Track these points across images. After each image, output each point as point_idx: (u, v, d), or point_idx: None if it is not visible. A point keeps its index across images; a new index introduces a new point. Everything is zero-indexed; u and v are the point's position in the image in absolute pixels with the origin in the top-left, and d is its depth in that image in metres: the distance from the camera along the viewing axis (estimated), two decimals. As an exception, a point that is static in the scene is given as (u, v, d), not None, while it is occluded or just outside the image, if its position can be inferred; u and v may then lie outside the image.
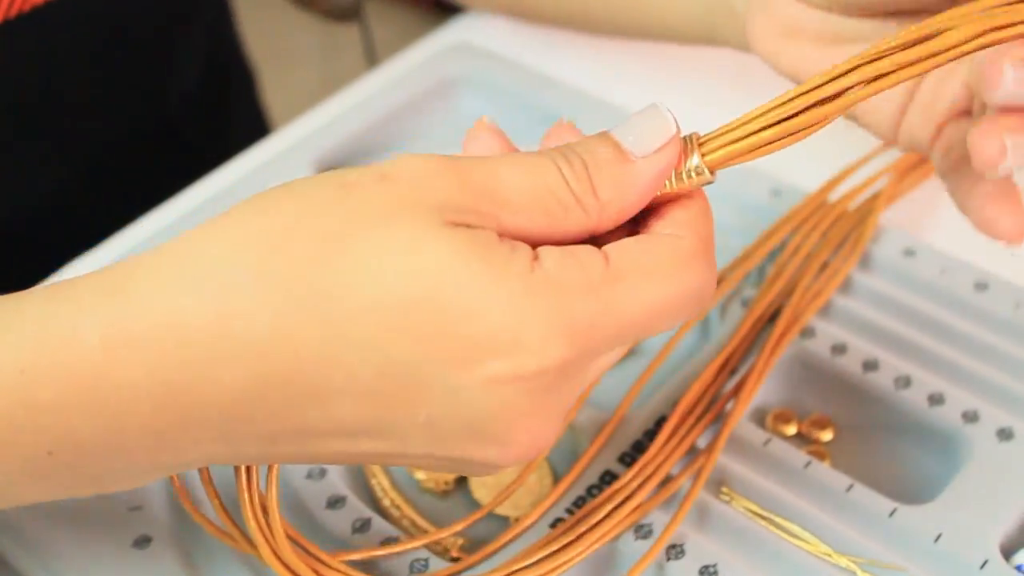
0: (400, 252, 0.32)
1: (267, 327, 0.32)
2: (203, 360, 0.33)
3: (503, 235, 0.34)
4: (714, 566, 0.43)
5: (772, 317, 0.51)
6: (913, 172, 0.58)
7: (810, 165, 0.56)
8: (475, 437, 0.34)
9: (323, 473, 0.46)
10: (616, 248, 0.34)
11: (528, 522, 0.44)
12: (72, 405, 0.33)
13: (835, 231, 0.54)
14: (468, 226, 0.33)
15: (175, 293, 0.33)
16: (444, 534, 0.43)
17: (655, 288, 0.34)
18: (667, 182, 0.36)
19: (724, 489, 0.45)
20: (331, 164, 0.60)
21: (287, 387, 0.33)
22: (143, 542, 0.44)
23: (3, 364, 0.33)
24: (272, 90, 0.87)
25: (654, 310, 0.34)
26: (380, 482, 0.47)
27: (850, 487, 0.45)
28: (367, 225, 0.33)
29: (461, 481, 0.48)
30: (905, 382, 0.49)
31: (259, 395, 0.33)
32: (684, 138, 0.36)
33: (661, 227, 0.36)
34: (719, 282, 0.51)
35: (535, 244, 0.34)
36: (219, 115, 0.76)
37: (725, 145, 0.35)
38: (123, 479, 0.36)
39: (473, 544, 0.45)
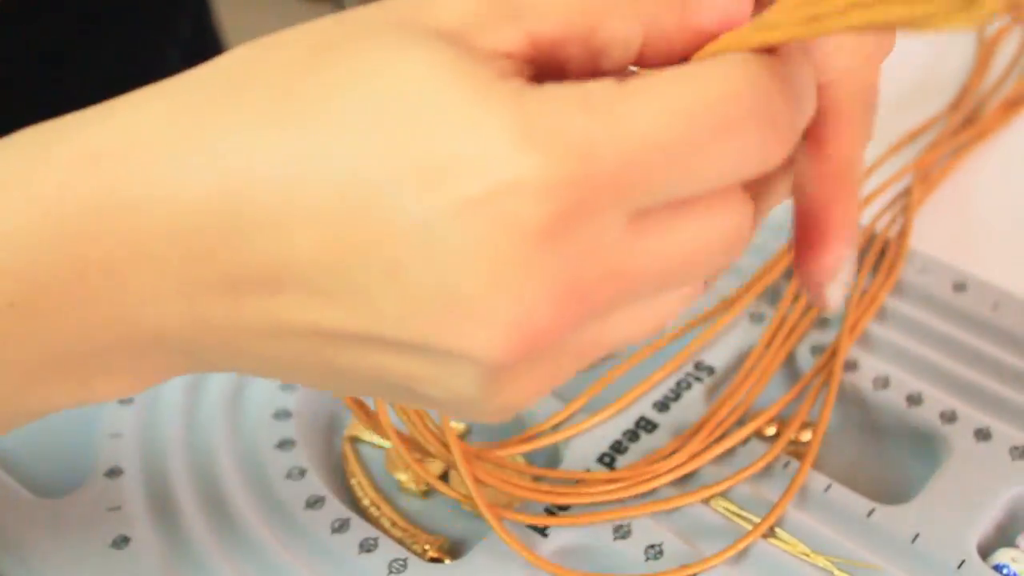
0: (385, 62, 0.28)
1: (231, 141, 0.29)
2: (160, 173, 0.29)
3: (508, 55, 0.29)
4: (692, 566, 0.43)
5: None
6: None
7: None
8: (448, 299, 0.28)
9: (303, 473, 0.46)
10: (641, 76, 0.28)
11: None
12: (31, 236, 0.30)
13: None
14: (462, 46, 0.29)
15: (140, 110, 0.30)
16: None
17: (679, 90, 0.28)
18: None
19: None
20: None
21: (248, 208, 0.29)
22: (121, 542, 0.44)
23: None
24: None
25: (685, 118, 0.27)
26: (360, 482, 0.47)
27: (828, 487, 0.45)
28: (354, 39, 0.29)
29: (442, 478, 0.48)
30: (883, 382, 0.49)
31: (217, 219, 0.29)
32: None
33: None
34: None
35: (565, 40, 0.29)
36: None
37: None
38: (85, 352, 0.32)
39: (455, 545, 0.45)
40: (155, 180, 0.29)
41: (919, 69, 0.67)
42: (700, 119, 0.27)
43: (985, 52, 0.67)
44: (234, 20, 1.10)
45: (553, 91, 0.28)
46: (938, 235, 0.56)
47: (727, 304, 0.52)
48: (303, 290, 0.29)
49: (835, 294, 0.36)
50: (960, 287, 0.52)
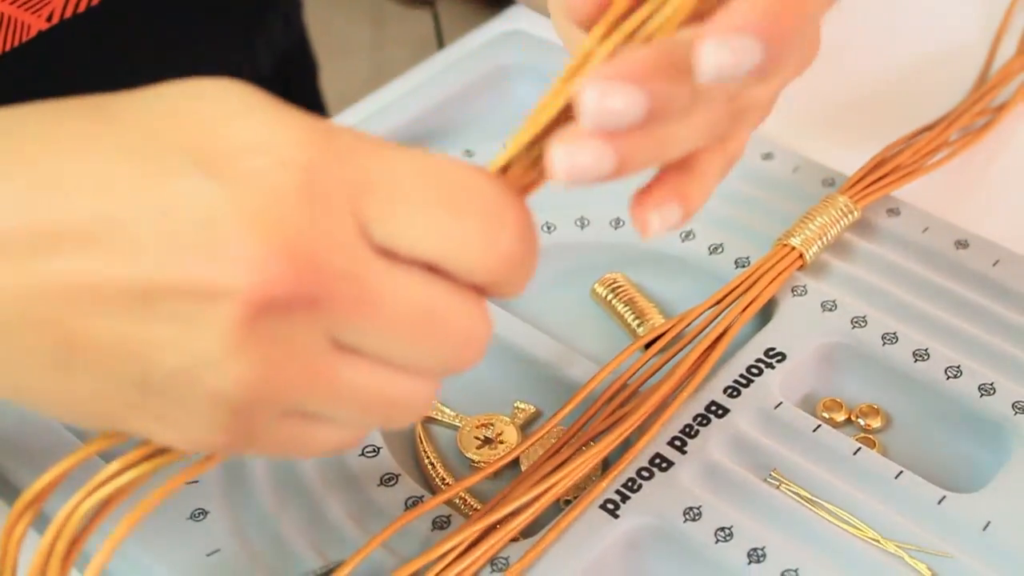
0: (185, 86, 0.34)
1: (35, 124, 0.33)
2: None
3: None
4: (762, 549, 0.43)
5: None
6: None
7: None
8: (210, 237, 0.31)
9: (377, 451, 0.47)
10: None
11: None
12: None
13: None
14: None
15: None
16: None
17: (429, 158, 0.33)
18: None
19: (773, 473, 0.46)
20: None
21: (32, 171, 0.32)
22: (199, 514, 0.45)
23: None
24: (326, 78, 0.88)
25: (420, 174, 0.32)
26: (432, 460, 0.48)
27: (899, 474, 0.45)
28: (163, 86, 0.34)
29: (511, 461, 0.48)
30: (956, 372, 0.49)
31: None
32: None
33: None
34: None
35: None
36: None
37: None
38: None
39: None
40: None
41: (942, 46, 0.67)
42: (426, 178, 0.33)
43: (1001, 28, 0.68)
44: (320, 18, 1.11)
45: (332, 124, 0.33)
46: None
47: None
48: (86, 245, 0.31)
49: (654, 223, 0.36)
50: (1034, 278, 0.52)
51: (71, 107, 0.34)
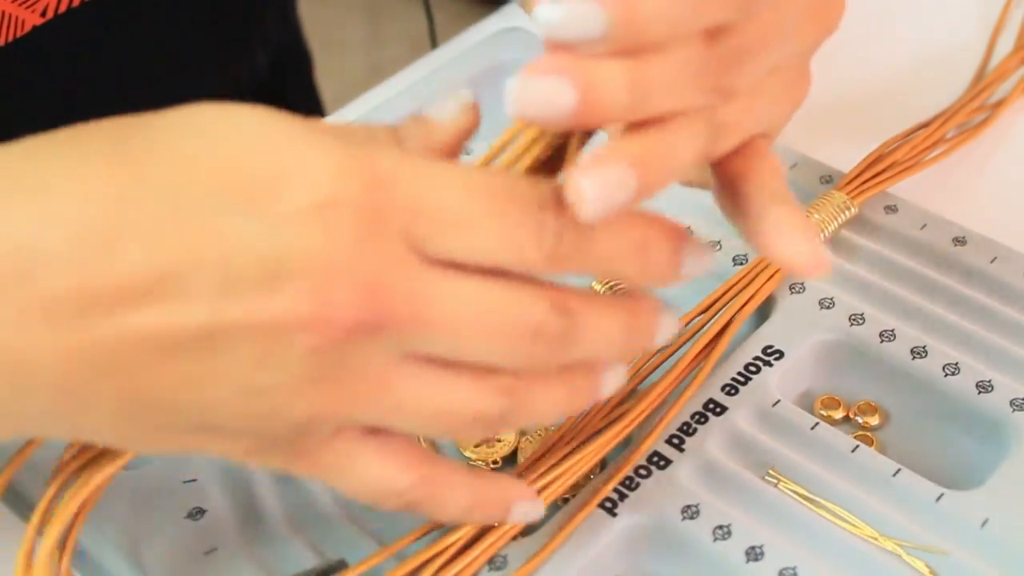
0: (215, 117, 0.33)
1: (62, 170, 0.32)
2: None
3: None
4: (760, 547, 0.43)
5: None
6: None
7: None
8: (268, 281, 0.32)
9: (374, 450, 0.47)
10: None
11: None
12: None
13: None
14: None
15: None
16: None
17: (476, 173, 0.34)
18: None
19: (771, 471, 0.46)
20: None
21: (77, 229, 0.32)
22: (196, 513, 0.45)
23: None
24: (321, 76, 0.88)
25: (468, 192, 0.33)
26: (429, 459, 0.48)
27: (897, 472, 0.45)
28: (185, 108, 0.34)
29: (509, 459, 0.48)
30: (954, 369, 0.49)
31: (43, 238, 0.31)
32: None
33: None
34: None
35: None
36: (282, 98, 0.77)
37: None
38: None
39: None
40: None
41: (939, 44, 0.66)
42: (477, 198, 0.33)
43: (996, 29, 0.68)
44: (315, 14, 1.11)
45: (371, 135, 0.34)
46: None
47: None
48: (120, 309, 0.31)
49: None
50: (1031, 275, 0.52)
51: (93, 144, 0.33)
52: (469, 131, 0.37)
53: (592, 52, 0.33)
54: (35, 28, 0.53)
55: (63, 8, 0.54)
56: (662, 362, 0.49)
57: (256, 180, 0.32)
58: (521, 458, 0.48)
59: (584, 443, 0.45)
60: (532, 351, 0.34)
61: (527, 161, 0.36)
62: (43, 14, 0.53)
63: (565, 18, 0.32)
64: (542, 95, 0.32)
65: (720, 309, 0.51)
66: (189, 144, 0.32)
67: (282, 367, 0.33)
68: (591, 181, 0.32)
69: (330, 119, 0.65)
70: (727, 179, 0.39)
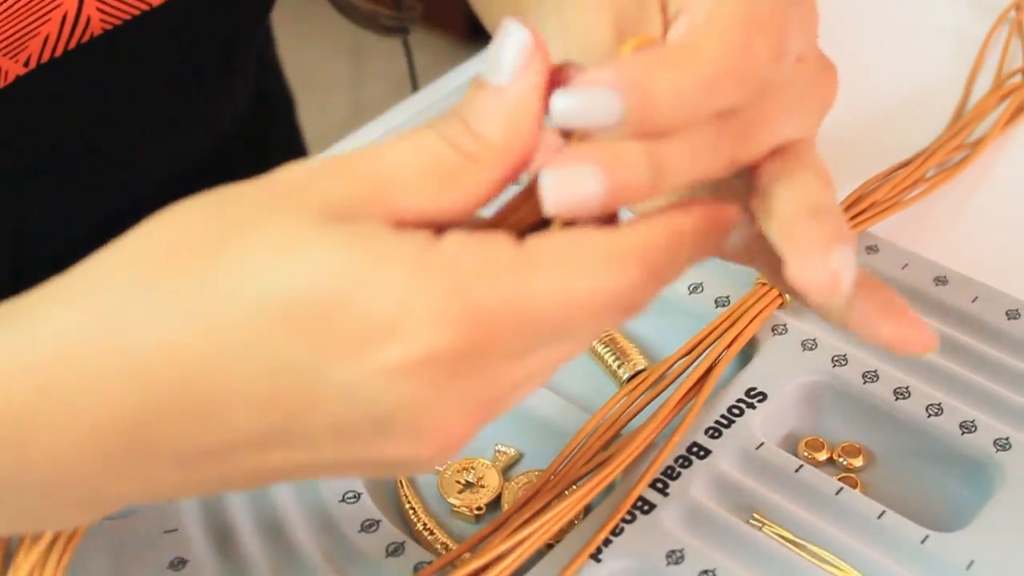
0: (278, 252, 0.32)
1: (152, 342, 0.32)
2: (94, 380, 0.32)
3: (403, 222, 0.32)
4: (746, 592, 0.43)
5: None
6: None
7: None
8: (382, 433, 0.32)
9: (357, 497, 0.46)
10: (538, 236, 0.33)
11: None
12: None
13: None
14: (353, 218, 0.32)
15: (61, 315, 0.33)
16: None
17: (573, 281, 0.32)
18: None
19: (755, 515, 0.46)
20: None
21: (180, 403, 0.32)
22: (178, 564, 0.44)
23: None
24: (304, 116, 0.88)
25: (571, 305, 0.32)
26: (413, 506, 0.47)
27: (882, 514, 0.45)
28: (246, 230, 0.32)
29: (493, 505, 0.48)
30: (936, 409, 0.49)
31: (156, 413, 0.32)
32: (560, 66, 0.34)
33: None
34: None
35: (445, 226, 0.33)
36: (263, 140, 0.77)
37: None
38: (48, 519, 0.36)
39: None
40: (92, 391, 0.32)
41: (918, 83, 0.67)
42: (587, 311, 0.32)
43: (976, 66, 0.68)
44: (297, 54, 1.11)
45: (457, 256, 0.31)
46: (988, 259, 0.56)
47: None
48: (245, 450, 0.33)
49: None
50: (1014, 314, 0.52)
51: (177, 297, 0.32)
52: (543, 81, 0.33)
53: (607, 137, 0.33)
54: (18, 78, 0.54)
55: (46, 58, 0.54)
56: (646, 405, 0.49)
57: (352, 333, 0.31)
58: (505, 504, 0.48)
59: (569, 489, 0.45)
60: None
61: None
62: (26, 64, 0.53)
63: (582, 106, 0.32)
64: (572, 187, 0.32)
65: (703, 351, 0.51)
66: (276, 293, 0.31)
67: (402, 471, 0.35)
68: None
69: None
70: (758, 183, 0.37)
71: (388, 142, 0.33)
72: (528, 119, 0.33)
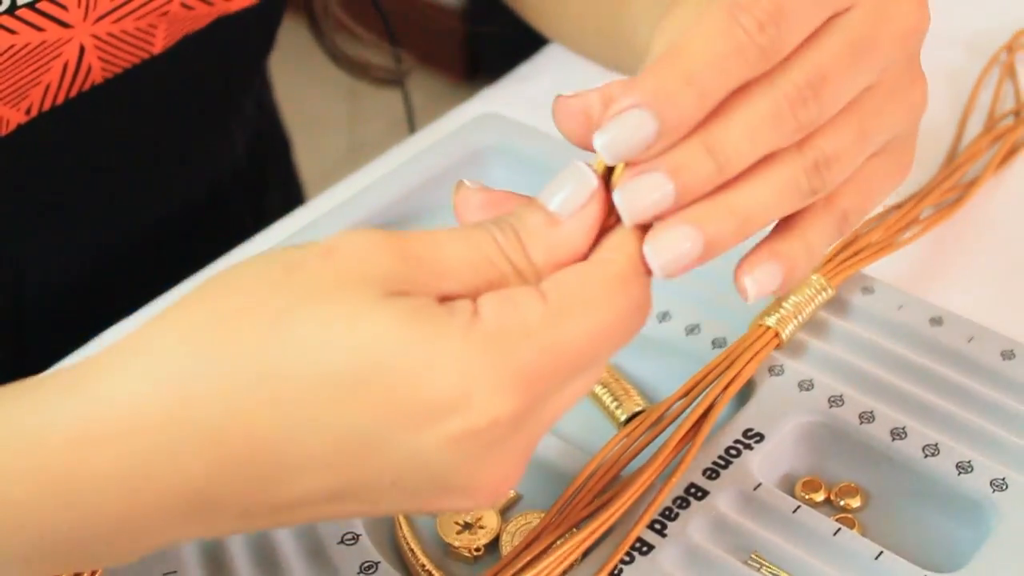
0: (342, 326, 0.33)
1: (220, 412, 0.34)
2: (164, 448, 0.34)
3: (444, 298, 0.35)
4: (744, 633, 0.43)
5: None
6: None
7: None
8: (442, 490, 0.35)
9: (356, 538, 0.46)
10: (552, 283, 0.35)
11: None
12: (47, 501, 0.34)
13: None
14: (407, 294, 0.34)
15: (130, 386, 0.34)
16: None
17: (595, 317, 0.35)
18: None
19: (754, 555, 0.46)
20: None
21: (248, 469, 0.34)
22: (179, 606, 0.44)
23: None
24: (302, 154, 0.89)
25: (597, 338, 0.35)
26: (412, 547, 0.47)
27: (879, 555, 0.45)
28: (310, 302, 0.34)
29: (491, 546, 0.48)
30: (933, 450, 0.49)
31: (222, 479, 0.34)
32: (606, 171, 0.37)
33: (594, 253, 0.37)
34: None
35: (476, 295, 0.36)
36: (260, 181, 0.78)
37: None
38: (107, 560, 0.38)
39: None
40: (161, 459, 0.34)
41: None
42: (610, 338, 0.36)
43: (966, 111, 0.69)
44: (295, 94, 1.12)
45: (499, 325, 0.34)
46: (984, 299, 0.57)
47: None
48: (309, 506, 0.35)
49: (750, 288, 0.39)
50: (1008, 355, 0.52)
51: (239, 376, 0.34)
52: (596, 223, 0.37)
53: (658, 150, 0.36)
54: (19, 127, 0.54)
55: (47, 106, 0.55)
56: (644, 447, 0.49)
57: (417, 405, 0.33)
58: (504, 545, 0.48)
59: (569, 531, 0.45)
60: (631, 335, 0.38)
61: None
62: (27, 112, 0.54)
63: (620, 133, 0.36)
64: (644, 197, 0.36)
65: (701, 393, 0.51)
66: (342, 364, 0.33)
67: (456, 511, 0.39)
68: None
69: (312, 203, 0.66)
70: None
71: (445, 231, 0.36)
72: (573, 252, 0.37)
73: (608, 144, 0.36)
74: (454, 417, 0.33)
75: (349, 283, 0.34)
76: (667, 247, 0.36)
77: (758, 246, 0.39)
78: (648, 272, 0.37)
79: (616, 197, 0.36)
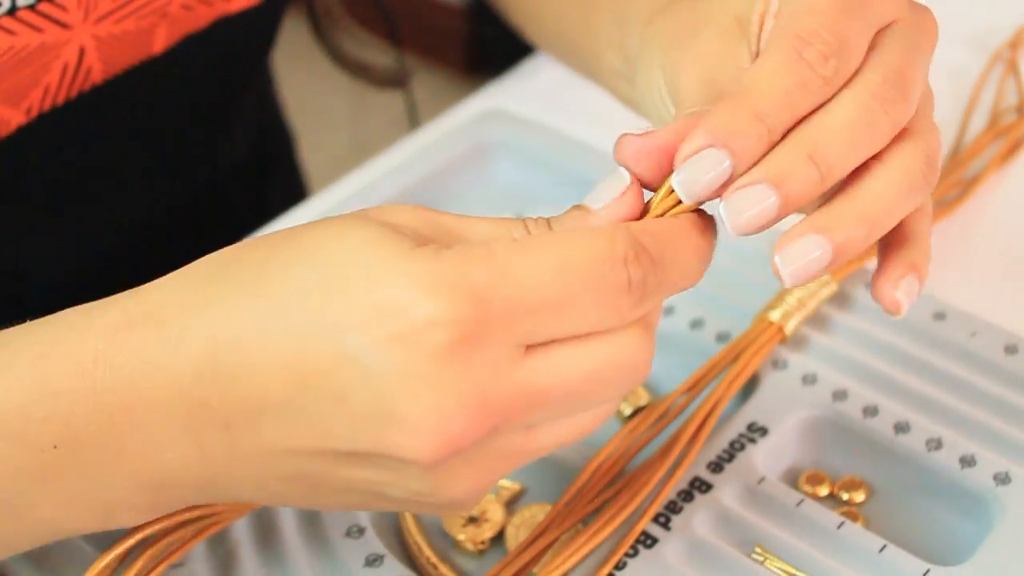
0: (335, 238, 0.36)
1: (217, 311, 0.36)
2: (167, 340, 0.36)
3: None
4: (748, 626, 0.43)
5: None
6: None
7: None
8: (385, 417, 0.34)
9: (362, 532, 0.47)
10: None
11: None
12: (74, 390, 0.37)
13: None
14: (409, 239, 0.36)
15: (157, 290, 0.38)
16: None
17: (558, 249, 0.35)
18: None
19: (758, 549, 0.46)
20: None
21: (230, 360, 0.36)
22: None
23: (23, 354, 0.38)
24: (306, 151, 0.89)
25: (563, 274, 0.35)
26: (417, 541, 0.48)
27: (883, 548, 0.45)
28: (316, 226, 0.37)
29: (496, 540, 0.48)
30: (936, 444, 0.49)
31: (209, 370, 0.36)
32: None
33: None
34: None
35: None
36: (262, 178, 0.78)
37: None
38: (114, 487, 0.38)
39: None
40: (164, 346, 0.36)
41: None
42: (569, 278, 0.35)
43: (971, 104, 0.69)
44: (299, 91, 1.12)
45: (462, 249, 0.35)
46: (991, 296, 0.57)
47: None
48: (276, 420, 0.36)
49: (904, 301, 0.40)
50: (1011, 349, 0.53)
51: (239, 279, 0.36)
52: (630, 216, 0.38)
53: (746, 170, 0.36)
54: (20, 127, 0.54)
55: (47, 107, 0.55)
56: (649, 442, 0.49)
57: (365, 306, 0.34)
58: (509, 538, 0.48)
59: (575, 526, 0.46)
60: (633, 384, 0.37)
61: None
62: (28, 112, 0.54)
63: (695, 173, 0.37)
64: (752, 211, 0.36)
65: (705, 387, 0.51)
66: (310, 284, 0.35)
67: (415, 482, 0.35)
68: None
69: (315, 199, 0.66)
70: None
71: (478, 217, 0.38)
72: None
73: (685, 182, 0.37)
74: (397, 317, 0.34)
75: (361, 217, 0.36)
76: (797, 256, 0.37)
77: (890, 263, 0.40)
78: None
79: (721, 208, 0.37)
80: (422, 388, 0.34)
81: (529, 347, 0.35)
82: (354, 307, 0.34)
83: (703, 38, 0.43)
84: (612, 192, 0.38)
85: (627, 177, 0.38)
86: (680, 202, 0.38)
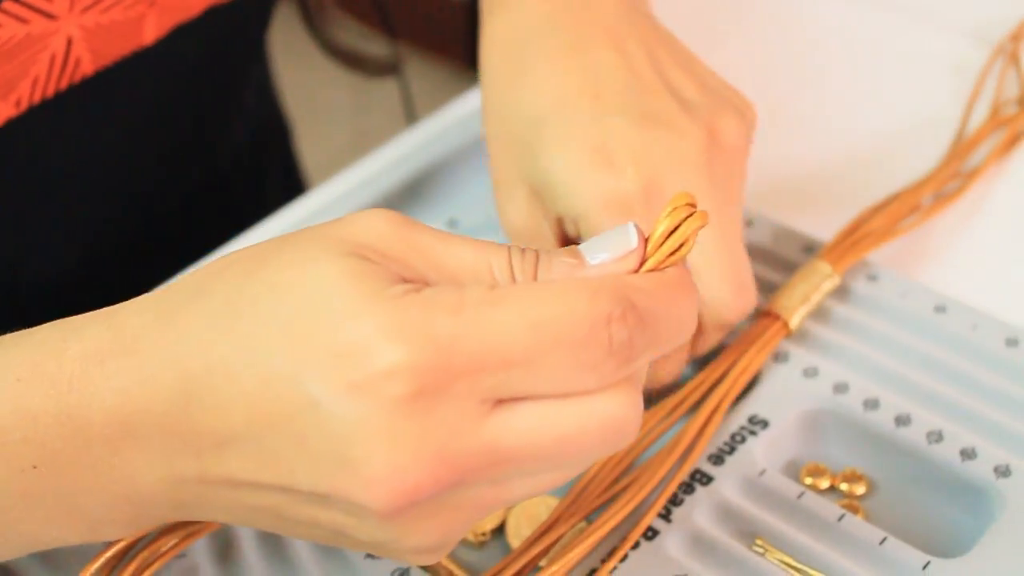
0: (302, 272, 0.35)
1: (188, 343, 0.35)
2: (140, 368, 0.36)
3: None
4: (749, 618, 0.43)
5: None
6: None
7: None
8: (341, 463, 0.33)
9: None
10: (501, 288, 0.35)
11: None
12: (51, 414, 0.37)
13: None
14: (376, 264, 0.35)
15: (130, 317, 0.37)
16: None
17: (535, 305, 0.33)
18: None
19: (758, 541, 0.46)
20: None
21: (201, 392, 0.35)
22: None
23: (3, 372, 0.37)
24: (305, 143, 0.89)
25: (536, 332, 0.33)
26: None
27: (883, 540, 0.46)
28: (288, 250, 0.36)
29: (497, 532, 0.48)
30: (937, 436, 0.49)
31: (182, 400, 0.35)
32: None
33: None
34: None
35: None
36: (259, 170, 0.78)
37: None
38: (94, 505, 0.38)
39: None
40: (138, 375, 0.36)
41: (915, 113, 0.68)
42: (542, 336, 0.33)
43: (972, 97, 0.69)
44: (299, 83, 1.12)
45: (432, 295, 0.34)
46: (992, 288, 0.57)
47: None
48: (241, 454, 0.35)
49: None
50: (1012, 342, 0.53)
51: (213, 302, 0.36)
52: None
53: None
54: (10, 120, 0.54)
55: (37, 99, 0.54)
56: (656, 438, 0.49)
57: (327, 351, 0.33)
58: (510, 530, 0.48)
59: (581, 521, 0.46)
60: (612, 448, 0.35)
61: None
62: (17, 104, 0.54)
63: (612, 253, 0.36)
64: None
65: (710, 382, 0.51)
66: (275, 314, 0.34)
67: (369, 533, 0.35)
68: None
69: (314, 193, 0.66)
70: None
71: (464, 237, 0.36)
72: None
73: (604, 257, 0.36)
74: (358, 364, 0.33)
75: (327, 238, 0.35)
76: None
77: None
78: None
79: None
80: (378, 438, 0.33)
81: (500, 402, 0.34)
82: (317, 351, 0.33)
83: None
84: (614, 251, 0.36)
85: (634, 240, 0.36)
86: (675, 252, 0.35)
